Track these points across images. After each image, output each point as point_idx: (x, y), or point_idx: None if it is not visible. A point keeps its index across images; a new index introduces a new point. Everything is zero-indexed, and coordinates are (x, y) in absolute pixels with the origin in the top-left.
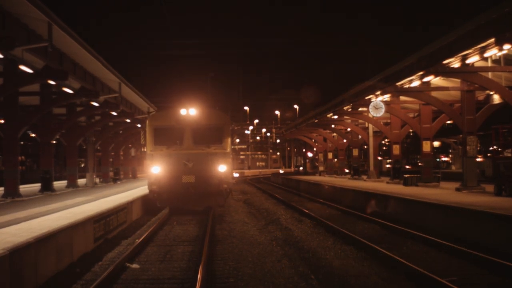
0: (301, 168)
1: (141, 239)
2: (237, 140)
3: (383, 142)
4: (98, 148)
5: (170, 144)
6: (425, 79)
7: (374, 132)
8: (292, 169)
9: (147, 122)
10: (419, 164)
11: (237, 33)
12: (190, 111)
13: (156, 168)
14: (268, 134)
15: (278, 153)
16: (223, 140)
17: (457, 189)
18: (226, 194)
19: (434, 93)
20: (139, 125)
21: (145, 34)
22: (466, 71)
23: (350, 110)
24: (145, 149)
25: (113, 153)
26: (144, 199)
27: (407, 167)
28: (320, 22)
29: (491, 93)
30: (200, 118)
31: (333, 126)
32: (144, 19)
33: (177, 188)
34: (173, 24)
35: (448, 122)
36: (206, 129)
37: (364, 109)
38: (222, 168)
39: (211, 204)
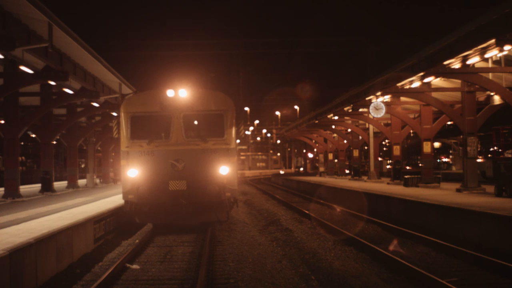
0: (301, 169)
1: (141, 239)
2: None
3: (383, 143)
4: (99, 148)
5: (153, 137)
6: (426, 80)
7: (375, 133)
8: (293, 169)
9: (121, 108)
10: (420, 165)
11: (237, 33)
12: (180, 93)
13: (133, 171)
14: (269, 134)
15: (279, 154)
16: (225, 131)
17: (458, 190)
18: (230, 205)
19: (434, 94)
20: None
21: (145, 34)
22: (466, 72)
23: (350, 111)
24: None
25: (113, 154)
26: None
27: (408, 168)
28: (320, 22)
29: (492, 94)
30: (194, 102)
31: (333, 126)
32: (143, 19)
33: (162, 198)
34: (172, 25)
35: (449, 123)
36: (202, 117)
37: (365, 110)
38: (224, 170)
39: (209, 220)
